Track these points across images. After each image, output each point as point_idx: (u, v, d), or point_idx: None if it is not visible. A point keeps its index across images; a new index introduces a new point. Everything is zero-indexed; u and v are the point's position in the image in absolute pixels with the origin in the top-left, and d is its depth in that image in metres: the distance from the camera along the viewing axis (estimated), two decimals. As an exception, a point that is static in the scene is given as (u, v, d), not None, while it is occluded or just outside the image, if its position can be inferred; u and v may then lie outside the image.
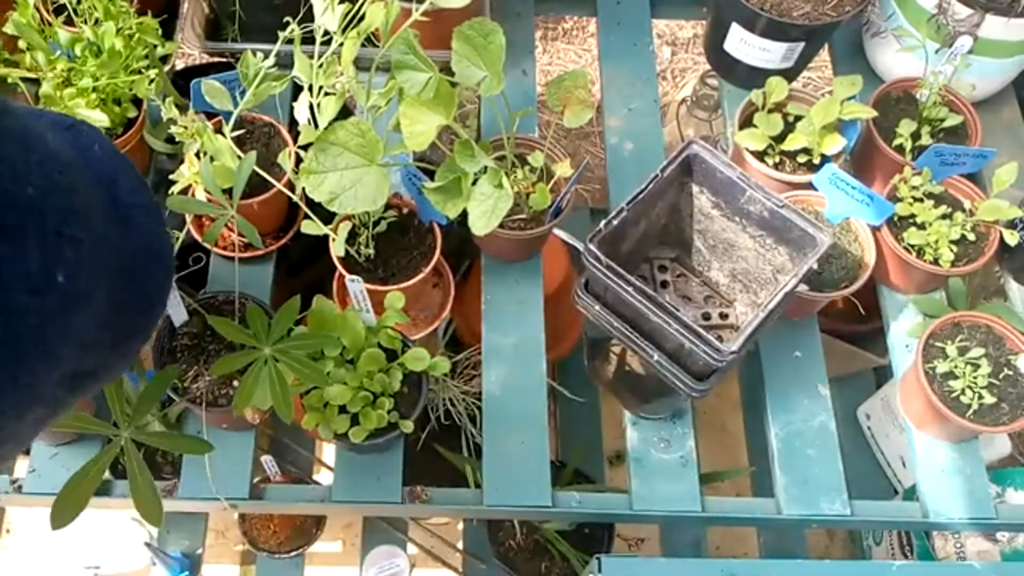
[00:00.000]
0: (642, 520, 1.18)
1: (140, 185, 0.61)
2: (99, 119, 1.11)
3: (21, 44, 1.13)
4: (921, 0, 1.28)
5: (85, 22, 1.16)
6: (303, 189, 1.02)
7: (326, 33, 1.03)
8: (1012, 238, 1.18)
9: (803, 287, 1.02)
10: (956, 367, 1.14)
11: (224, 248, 1.23)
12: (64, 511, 0.88)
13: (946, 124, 1.27)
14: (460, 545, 1.76)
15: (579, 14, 1.77)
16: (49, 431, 1.10)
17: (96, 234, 0.51)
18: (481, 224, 1.06)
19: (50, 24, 1.15)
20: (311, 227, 1.10)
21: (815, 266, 0.99)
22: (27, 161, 0.47)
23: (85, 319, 0.51)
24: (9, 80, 1.14)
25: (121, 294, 0.55)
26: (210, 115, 1.12)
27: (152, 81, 1.15)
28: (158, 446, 0.97)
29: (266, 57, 1.06)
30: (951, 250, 1.18)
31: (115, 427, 0.94)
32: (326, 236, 1.11)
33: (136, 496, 0.92)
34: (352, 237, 1.14)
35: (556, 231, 1.19)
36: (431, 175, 1.10)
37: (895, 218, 1.21)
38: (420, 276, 1.16)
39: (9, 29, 1.12)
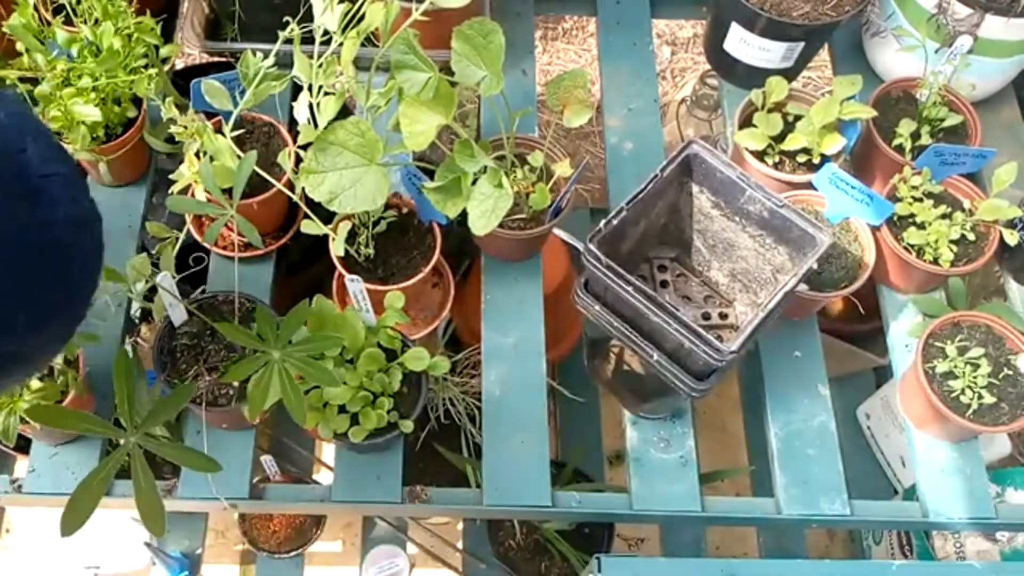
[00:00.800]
0: (642, 520, 1.18)
1: (56, 154, 0.57)
2: (91, 114, 1.11)
3: (19, 46, 1.13)
4: (921, 0, 1.28)
5: (84, 22, 1.16)
6: (303, 189, 1.02)
7: (326, 33, 1.03)
8: (1012, 238, 1.18)
9: (803, 287, 1.02)
10: (956, 367, 1.14)
11: (224, 248, 1.22)
12: (73, 518, 0.88)
13: (946, 124, 1.27)
14: (460, 545, 1.76)
15: (579, 14, 1.77)
16: (49, 431, 1.10)
17: None
18: (481, 224, 1.06)
19: (49, 24, 1.15)
20: (311, 227, 1.10)
21: (815, 266, 0.99)
22: None
23: None
24: (8, 80, 1.14)
25: (31, 272, 0.53)
26: (210, 115, 1.12)
27: (152, 81, 1.15)
28: (165, 456, 0.97)
29: (266, 57, 1.06)
30: (951, 250, 1.18)
31: (120, 429, 0.94)
32: (326, 236, 1.11)
33: (140, 503, 0.92)
34: (352, 237, 1.14)
35: (556, 231, 1.19)
36: (431, 175, 1.10)
37: (895, 218, 1.21)
38: (420, 276, 1.16)
39: (9, 30, 1.12)
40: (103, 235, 0.60)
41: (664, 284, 1.13)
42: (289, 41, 1.04)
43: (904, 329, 1.25)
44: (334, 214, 1.07)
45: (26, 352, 0.57)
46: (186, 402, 1.04)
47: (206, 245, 1.21)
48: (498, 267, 1.27)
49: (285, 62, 1.07)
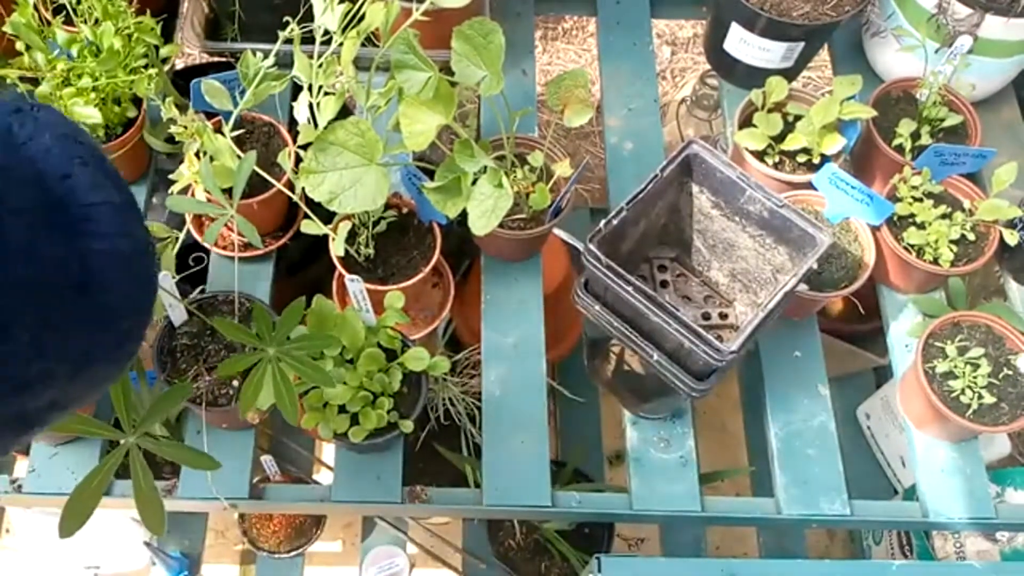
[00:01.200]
0: (642, 520, 1.18)
1: (107, 180, 0.52)
2: (91, 114, 1.11)
3: (19, 45, 1.13)
4: (921, 0, 1.28)
5: (84, 22, 1.16)
6: (303, 189, 1.02)
7: (326, 33, 1.03)
8: (1012, 238, 1.18)
9: (803, 287, 1.02)
10: (956, 367, 1.14)
11: (224, 248, 1.22)
12: (73, 519, 0.88)
13: (946, 124, 1.27)
14: (460, 545, 1.76)
15: (579, 14, 1.77)
16: (48, 431, 1.10)
17: None
18: (481, 224, 1.06)
19: (49, 24, 1.15)
20: (311, 227, 1.10)
21: (815, 266, 0.99)
22: None
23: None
24: (8, 80, 1.14)
25: (69, 313, 0.47)
26: (210, 115, 1.12)
27: (152, 81, 1.15)
28: (164, 455, 0.97)
29: (266, 57, 1.06)
30: (951, 250, 1.18)
31: (119, 430, 0.94)
32: (326, 236, 1.11)
33: (140, 502, 0.92)
34: (352, 237, 1.14)
35: (556, 231, 1.19)
36: (431, 175, 1.10)
37: (895, 218, 1.21)
38: (420, 276, 1.16)
39: (9, 29, 1.12)
40: (155, 267, 0.55)
41: (664, 284, 1.13)
42: (289, 41, 1.04)
43: (904, 329, 1.25)
44: (334, 214, 1.07)
45: (64, 400, 0.51)
46: (182, 401, 1.03)
47: (206, 245, 1.21)
48: (498, 267, 1.27)
49: (285, 62, 1.07)
